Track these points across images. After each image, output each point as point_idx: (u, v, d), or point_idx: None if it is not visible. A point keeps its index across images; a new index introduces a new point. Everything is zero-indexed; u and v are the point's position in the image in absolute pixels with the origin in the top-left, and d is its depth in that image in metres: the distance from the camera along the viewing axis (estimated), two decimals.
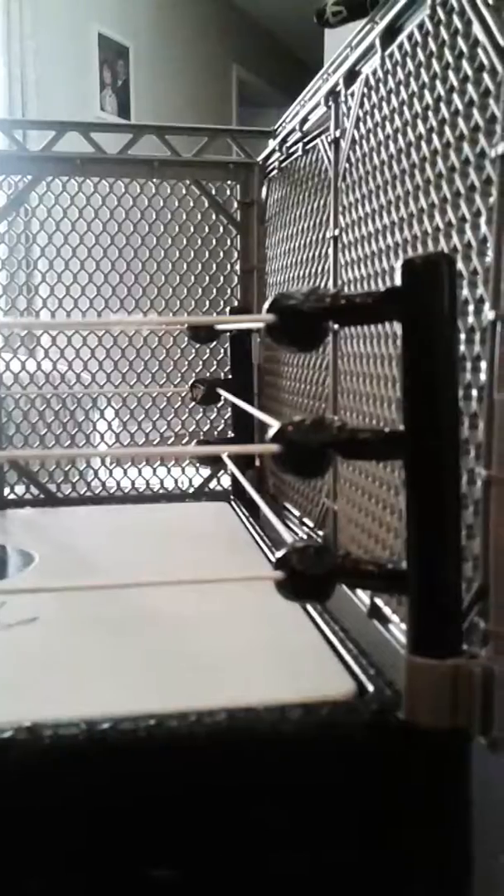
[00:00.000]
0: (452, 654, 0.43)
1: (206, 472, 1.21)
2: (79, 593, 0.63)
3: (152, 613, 0.65)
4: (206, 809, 0.45)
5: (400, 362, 0.44)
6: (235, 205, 1.19)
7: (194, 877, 0.45)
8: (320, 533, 0.89)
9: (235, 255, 1.20)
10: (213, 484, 1.22)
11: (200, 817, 0.45)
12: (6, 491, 1.17)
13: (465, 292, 0.50)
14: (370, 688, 0.50)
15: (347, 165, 0.77)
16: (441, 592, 0.43)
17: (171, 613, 0.65)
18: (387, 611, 0.62)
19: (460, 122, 0.52)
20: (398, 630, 0.59)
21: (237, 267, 1.20)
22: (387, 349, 0.65)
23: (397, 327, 0.44)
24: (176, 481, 1.22)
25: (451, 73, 0.53)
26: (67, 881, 0.44)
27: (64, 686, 0.53)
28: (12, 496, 1.17)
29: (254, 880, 0.46)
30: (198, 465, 1.21)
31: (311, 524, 0.93)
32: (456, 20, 0.53)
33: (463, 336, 0.50)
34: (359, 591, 0.67)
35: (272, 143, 1.09)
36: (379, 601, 0.64)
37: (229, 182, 1.19)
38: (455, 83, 0.53)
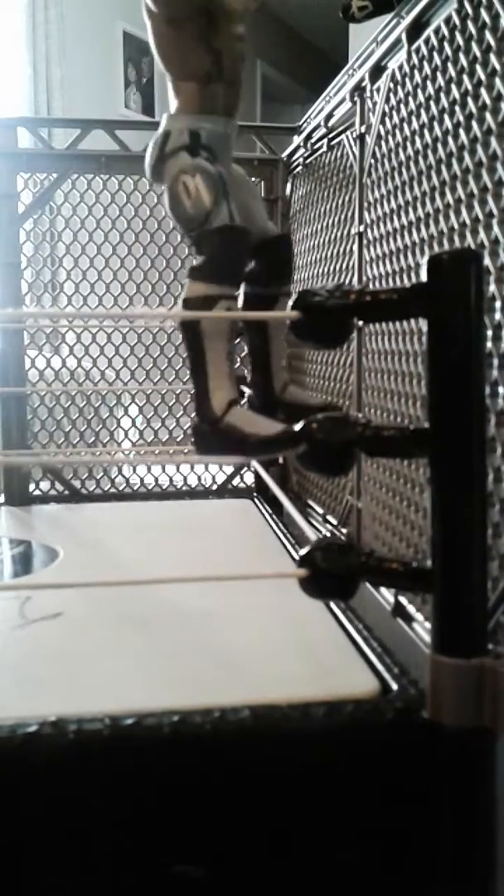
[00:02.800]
0: (477, 654, 0.43)
1: (229, 469, 1.21)
2: (103, 589, 0.64)
3: (176, 610, 0.65)
4: (228, 805, 0.45)
5: (425, 359, 0.43)
6: None
7: (217, 872, 0.45)
8: (344, 531, 0.89)
9: None
10: (236, 481, 1.22)
11: (223, 813, 0.45)
12: (32, 487, 1.18)
13: (493, 289, 0.50)
14: (394, 686, 0.50)
15: (373, 161, 0.76)
16: (466, 591, 0.43)
17: (195, 610, 0.65)
18: (411, 609, 0.62)
19: (488, 116, 0.52)
20: (422, 629, 0.59)
21: None
22: (412, 346, 0.65)
23: (423, 324, 0.44)
24: (199, 478, 1.22)
25: (478, 68, 0.53)
26: (91, 874, 0.44)
27: (88, 681, 0.53)
28: (37, 492, 1.18)
29: (276, 877, 0.46)
30: (221, 462, 1.21)
31: (334, 522, 0.93)
32: (484, 14, 0.52)
33: (490, 333, 0.50)
34: (383, 590, 0.66)
35: (297, 140, 1.08)
36: (403, 599, 0.63)
37: (253, 179, 1.18)
38: (483, 77, 0.52)
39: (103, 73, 3.57)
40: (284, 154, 1.15)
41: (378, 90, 0.74)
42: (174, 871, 0.45)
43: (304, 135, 1.04)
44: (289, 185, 1.16)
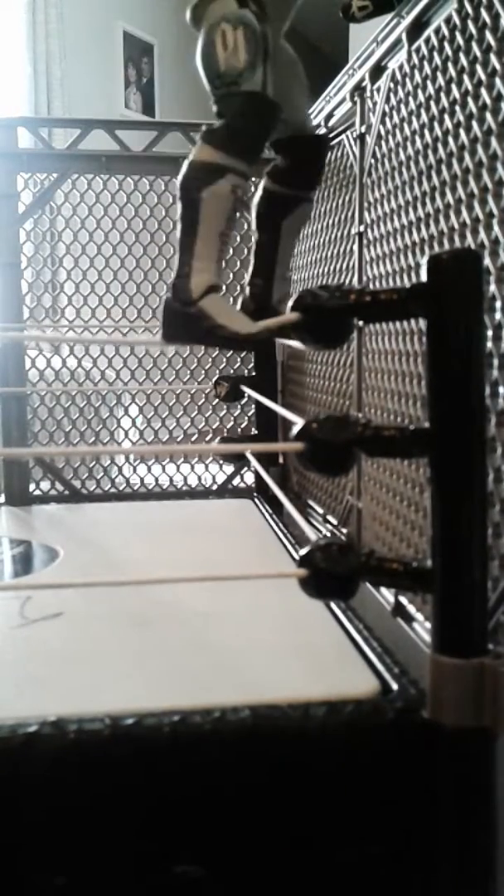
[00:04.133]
0: (478, 653, 0.43)
1: (229, 469, 1.21)
2: (103, 589, 0.64)
3: (176, 609, 0.65)
4: (229, 805, 0.45)
5: (426, 359, 0.43)
6: None
7: (217, 873, 0.45)
8: (344, 530, 0.89)
9: None
10: (236, 481, 1.22)
11: (224, 813, 0.45)
12: (32, 487, 1.18)
13: (493, 289, 0.50)
14: (394, 686, 0.50)
15: (373, 161, 0.76)
16: (467, 591, 0.43)
17: (195, 610, 0.65)
18: (411, 609, 0.62)
19: (488, 117, 0.52)
20: (423, 628, 0.59)
21: None
22: (412, 346, 0.65)
23: (423, 324, 0.44)
24: (199, 478, 1.22)
25: (478, 68, 0.53)
26: (91, 874, 0.44)
27: (88, 681, 0.53)
28: (38, 492, 1.18)
29: (276, 877, 0.46)
30: (221, 462, 1.21)
31: (334, 522, 0.93)
32: (484, 14, 0.52)
33: (490, 333, 0.50)
34: (383, 589, 0.66)
35: None
36: (403, 599, 0.63)
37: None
38: (483, 77, 0.52)
39: (103, 73, 3.57)
40: None
41: (378, 90, 0.74)
42: (175, 872, 0.45)
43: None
44: None
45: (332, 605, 0.64)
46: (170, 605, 0.66)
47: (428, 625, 0.57)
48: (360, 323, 0.76)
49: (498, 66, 0.50)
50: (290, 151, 0.63)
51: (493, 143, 0.51)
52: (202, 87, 0.61)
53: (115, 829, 0.44)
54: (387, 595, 0.66)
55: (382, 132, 0.73)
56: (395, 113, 0.70)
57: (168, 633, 0.62)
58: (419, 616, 0.61)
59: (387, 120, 0.72)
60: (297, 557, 0.45)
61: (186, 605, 0.66)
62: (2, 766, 0.43)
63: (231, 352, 1.20)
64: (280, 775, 0.45)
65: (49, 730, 0.43)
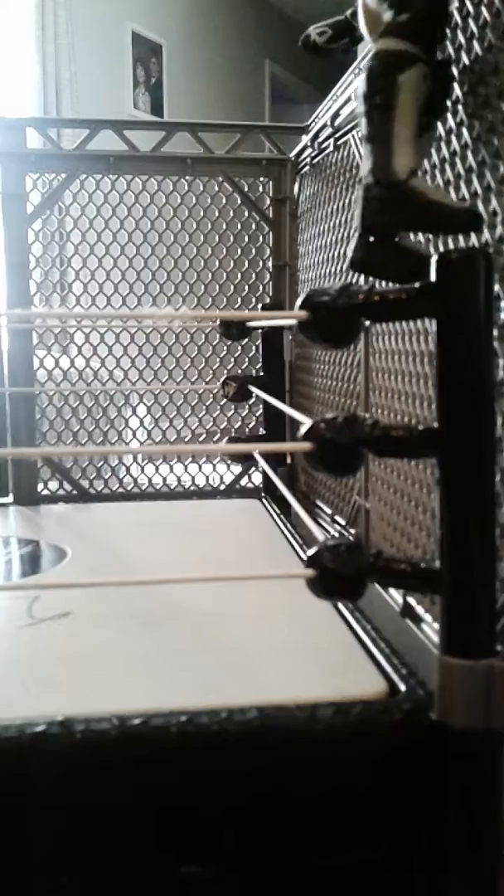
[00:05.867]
0: (486, 655, 0.43)
1: (237, 469, 1.21)
2: (110, 589, 0.64)
3: (184, 610, 0.65)
4: (236, 806, 0.45)
5: (434, 359, 0.43)
6: (268, 201, 1.19)
7: (224, 873, 0.45)
8: (352, 531, 0.88)
9: (267, 251, 1.20)
10: (244, 481, 1.22)
11: (231, 813, 0.45)
12: (40, 487, 1.18)
13: (497, 287, 0.50)
14: (402, 687, 0.50)
15: None
16: (475, 592, 0.43)
17: (203, 610, 0.65)
18: (419, 610, 0.62)
19: (489, 114, 0.51)
20: (431, 629, 0.59)
21: (269, 264, 1.20)
22: (419, 346, 0.65)
23: (432, 324, 0.43)
24: (207, 478, 1.22)
25: (477, 66, 0.53)
26: (98, 874, 0.44)
27: (96, 681, 0.53)
28: (46, 492, 1.18)
29: (282, 878, 0.46)
30: (229, 462, 1.21)
31: (342, 522, 0.92)
32: (484, 12, 0.52)
33: (496, 333, 0.50)
34: (391, 590, 0.66)
35: (304, 139, 1.08)
36: (412, 600, 0.63)
37: (262, 178, 1.19)
38: (483, 74, 0.52)
39: (112, 74, 3.58)
40: (292, 154, 1.15)
41: None
42: (181, 872, 0.45)
43: (311, 134, 1.04)
44: (297, 185, 1.16)
45: (340, 605, 0.64)
46: (177, 604, 0.66)
47: (436, 626, 0.57)
48: (367, 323, 0.76)
49: (500, 64, 0.50)
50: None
51: (495, 141, 0.51)
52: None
53: (121, 828, 0.44)
54: (395, 596, 0.65)
55: None
56: None
57: (175, 632, 0.62)
58: (427, 617, 0.60)
59: None
60: (304, 558, 0.45)
61: (194, 605, 0.66)
62: (9, 765, 0.44)
63: (238, 352, 1.20)
64: (287, 776, 0.45)
65: (56, 729, 0.44)
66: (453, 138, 0.58)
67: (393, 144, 0.56)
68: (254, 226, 1.19)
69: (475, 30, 0.54)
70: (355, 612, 0.63)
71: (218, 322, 1.03)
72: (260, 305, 1.19)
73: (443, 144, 0.60)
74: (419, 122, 0.57)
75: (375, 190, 0.57)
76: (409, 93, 0.56)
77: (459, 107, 0.57)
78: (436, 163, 0.62)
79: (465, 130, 0.56)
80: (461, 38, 0.57)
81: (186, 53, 4.02)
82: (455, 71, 0.58)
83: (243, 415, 1.23)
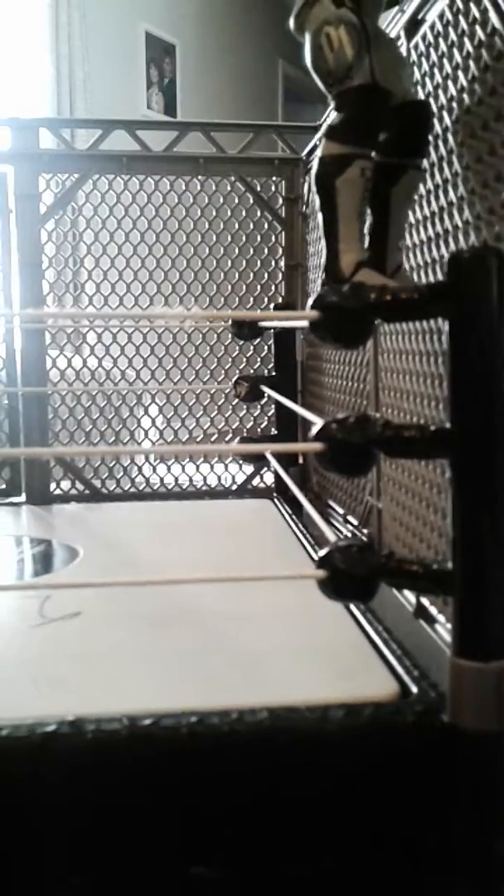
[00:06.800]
0: (498, 657, 0.42)
1: (249, 468, 1.21)
2: (121, 588, 0.64)
3: (194, 610, 0.65)
4: (245, 807, 0.45)
5: (447, 359, 0.43)
6: (280, 201, 1.19)
7: (234, 874, 0.45)
8: (364, 531, 0.88)
9: (279, 251, 1.20)
10: (255, 481, 1.22)
11: (241, 814, 0.45)
12: (52, 486, 1.18)
13: None
14: (414, 689, 0.49)
15: None
16: (487, 593, 0.42)
17: (214, 610, 0.65)
18: (433, 610, 0.61)
19: (483, 111, 0.51)
20: (444, 630, 0.58)
21: (281, 263, 1.20)
22: (432, 346, 0.64)
23: (444, 324, 0.43)
24: (219, 478, 1.22)
25: (471, 63, 0.53)
26: (108, 874, 0.44)
27: (106, 681, 0.53)
28: (58, 491, 1.18)
29: (292, 879, 0.46)
30: (241, 462, 1.21)
31: (355, 522, 0.92)
32: (473, 9, 0.52)
33: None
34: (405, 590, 0.66)
35: (316, 138, 1.08)
36: (425, 600, 0.63)
37: (274, 178, 1.18)
38: (476, 73, 0.52)
39: (126, 74, 3.58)
40: (305, 153, 1.15)
41: None
42: (192, 873, 0.44)
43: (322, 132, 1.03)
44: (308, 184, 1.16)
45: (352, 606, 0.64)
46: (188, 605, 0.66)
47: (450, 627, 0.57)
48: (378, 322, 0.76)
49: (489, 62, 0.50)
50: (397, 120, 0.66)
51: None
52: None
53: (132, 828, 0.44)
54: (408, 596, 0.65)
55: None
56: None
57: (186, 633, 0.62)
58: (441, 618, 0.60)
59: None
60: (316, 558, 0.45)
61: (205, 606, 0.66)
62: (20, 765, 0.44)
63: (250, 352, 1.20)
64: (297, 777, 0.45)
65: (67, 729, 0.44)
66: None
67: (337, 245, 0.64)
68: (266, 225, 1.19)
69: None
70: (367, 613, 0.62)
71: (230, 322, 1.03)
72: (272, 305, 1.19)
73: (440, 142, 0.60)
74: (363, 214, 0.64)
75: (326, 291, 0.61)
76: (349, 193, 0.62)
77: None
78: (434, 162, 0.61)
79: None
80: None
81: (200, 53, 4.02)
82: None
83: (255, 415, 1.23)
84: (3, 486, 1.18)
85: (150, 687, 0.52)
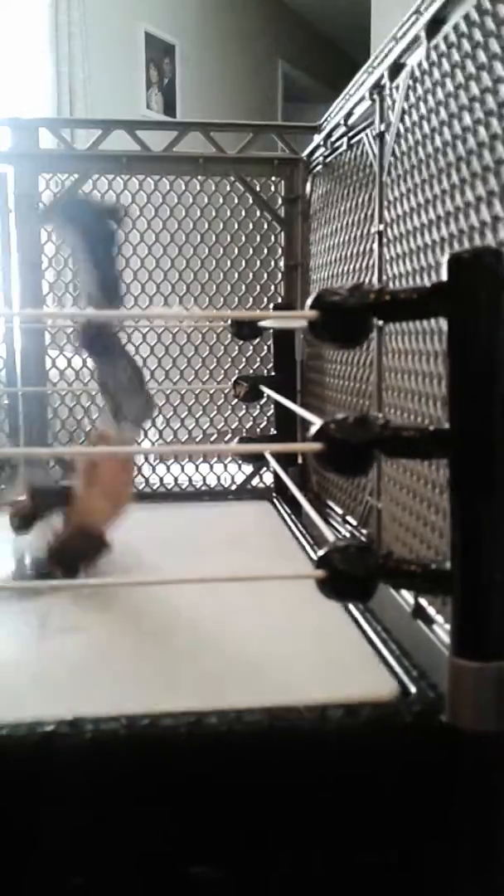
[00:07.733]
0: (497, 657, 0.42)
1: (248, 469, 1.21)
2: (121, 589, 0.64)
3: (193, 610, 0.65)
4: (245, 807, 0.45)
5: (446, 359, 0.43)
6: (280, 201, 1.19)
7: (233, 874, 0.45)
8: (364, 531, 0.88)
9: (279, 251, 1.20)
10: (255, 481, 1.22)
11: (240, 814, 0.45)
12: None
13: None
14: (413, 689, 0.49)
15: (392, 159, 0.76)
16: (486, 593, 0.42)
17: (213, 611, 0.65)
18: (431, 611, 0.61)
19: None
20: (443, 630, 0.58)
21: (281, 263, 1.20)
22: (432, 345, 0.64)
23: (443, 323, 0.43)
24: (218, 478, 1.22)
25: (497, 64, 0.52)
26: (107, 873, 0.44)
27: (105, 681, 0.53)
28: None
29: (292, 878, 0.46)
30: (240, 462, 1.21)
31: (354, 522, 0.92)
32: (501, 10, 0.52)
33: None
34: (403, 591, 0.66)
35: (317, 139, 1.08)
36: (423, 601, 0.63)
37: (274, 178, 1.18)
38: (502, 73, 0.52)
39: (125, 74, 3.58)
40: (305, 153, 1.15)
41: (397, 87, 0.73)
42: (191, 872, 0.44)
43: (323, 133, 1.03)
44: (309, 185, 1.16)
45: (351, 606, 0.64)
46: (187, 606, 0.66)
47: (448, 627, 0.57)
48: (381, 322, 0.76)
49: None
50: None
51: None
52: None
53: (131, 828, 0.44)
54: (407, 597, 0.65)
55: (402, 130, 0.72)
56: (414, 110, 0.69)
57: (185, 634, 0.62)
58: (439, 618, 0.60)
59: (406, 118, 0.71)
60: (314, 558, 0.45)
61: (204, 606, 0.66)
62: (19, 764, 0.44)
63: (250, 352, 1.20)
64: (296, 777, 0.45)
65: (66, 729, 0.44)
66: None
67: None
68: (266, 225, 1.19)
69: None
70: (366, 613, 0.62)
71: (229, 322, 1.03)
72: (272, 305, 1.19)
73: (459, 143, 0.60)
74: None
75: None
76: None
77: None
78: (452, 162, 0.61)
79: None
80: None
81: (199, 53, 4.02)
82: None
83: (254, 415, 1.23)
84: (3, 487, 1.18)
85: (148, 687, 0.52)
